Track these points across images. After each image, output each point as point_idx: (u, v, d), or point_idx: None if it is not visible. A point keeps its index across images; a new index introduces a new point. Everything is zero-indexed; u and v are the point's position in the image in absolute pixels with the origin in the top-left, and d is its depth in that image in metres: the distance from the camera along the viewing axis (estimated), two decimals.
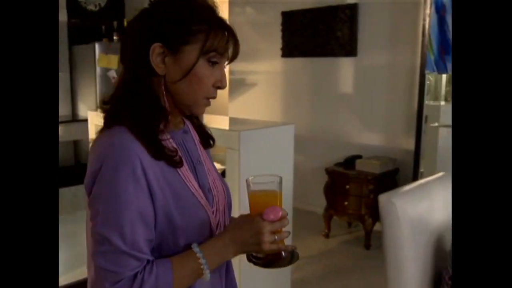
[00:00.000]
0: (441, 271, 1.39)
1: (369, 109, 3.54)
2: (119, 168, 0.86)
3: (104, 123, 0.94)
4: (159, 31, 0.91)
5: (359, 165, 3.33)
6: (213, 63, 0.93)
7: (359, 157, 3.45)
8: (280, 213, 0.93)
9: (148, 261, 0.89)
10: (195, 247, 0.92)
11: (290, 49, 4.00)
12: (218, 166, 3.03)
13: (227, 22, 0.94)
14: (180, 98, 0.95)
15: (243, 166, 2.62)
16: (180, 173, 0.95)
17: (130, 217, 0.87)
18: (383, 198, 1.33)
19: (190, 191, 0.96)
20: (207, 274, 0.91)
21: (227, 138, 2.05)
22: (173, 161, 0.93)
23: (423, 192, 1.51)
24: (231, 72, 4.49)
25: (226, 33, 0.93)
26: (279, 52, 4.05)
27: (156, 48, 0.91)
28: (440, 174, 1.75)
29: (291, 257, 0.98)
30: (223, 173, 2.65)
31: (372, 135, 3.55)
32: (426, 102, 3.13)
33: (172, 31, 0.91)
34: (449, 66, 2.87)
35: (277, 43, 4.04)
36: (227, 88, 5.07)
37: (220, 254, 0.94)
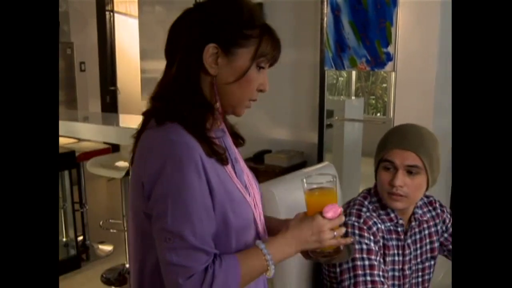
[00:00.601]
0: None
1: (277, 105, 3.66)
2: (184, 165, 0.88)
3: (156, 119, 0.94)
4: (214, 32, 0.94)
5: (268, 159, 3.44)
6: (260, 68, 0.97)
7: (269, 151, 3.57)
8: (339, 210, 0.98)
9: (215, 255, 0.90)
10: (260, 244, 0.95)
11: None
12: (124, 164, 3.02)
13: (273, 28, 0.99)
14: (228, 99, 0.98)
15: None
16: (227, 170, 0.98)
17: (198, 213, 0.88)
18: (263, 186, 1.42)
19: (237, 188, 0.99)
20: (271, 270, 0.95)
21: None
22: (223, 158, 0.96)
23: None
24: (142, 71, 4.46)
25: (273, 40, 0.98)
26: None
27: (210, 49, 0.93)
28: (325, 163, 1.88)
29: (349, 250, 1.02)
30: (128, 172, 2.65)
31: (281, 130, 3.68)
32: (336, 97, 3.28)
33: (228, 33, 0.94)
34: (346, 63, 3.05)
35: None
36: (139, 86, 5.02)
37: (283, 251, 0.97)
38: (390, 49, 2.89)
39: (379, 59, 2.95)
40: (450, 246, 1.49)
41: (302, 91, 3.48)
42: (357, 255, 1.30)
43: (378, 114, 6.80)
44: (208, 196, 0.91)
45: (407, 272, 1.41)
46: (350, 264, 1.30)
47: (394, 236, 1.39)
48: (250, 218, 1.01)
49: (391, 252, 1.37)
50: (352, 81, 5.47)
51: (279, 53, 1.01)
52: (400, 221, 1.39)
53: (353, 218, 1.35)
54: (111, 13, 5.28)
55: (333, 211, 0.97)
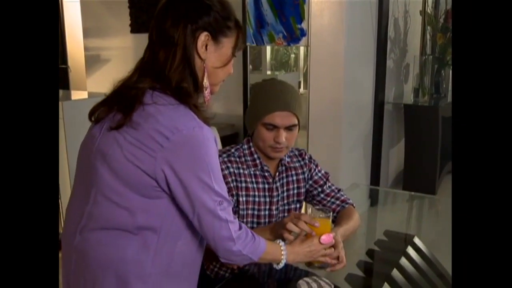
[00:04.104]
0: None
1: None
2: (210, 141, 1.07)
3: (179, 98, 1.08)
4: (206, 21, 1.10)
5: None
6: (234, 56, 1.17)
7: None
8: (332, 240, 1.34)
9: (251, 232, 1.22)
10: (280, 241, 1.28)
11: (138, 25, 4.16)
12: None
13: None
14: (212, 80, 1.16)
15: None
16: None
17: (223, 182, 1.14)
18: None
19: None
20: (282, 263, 1.27)
21: None
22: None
23: None
24: (86, 49, 4.57)
25: (242, 32, 1.19)
26: (128, 28, 4.20)
27: (203, 36, 1.10)
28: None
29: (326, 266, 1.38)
30: None
31: (213, 103, 3.85)
32: (280, 74, 3.41)
33: (218, 23, 1.12)
34: (265, 38, 3.22)
35: (126, 19, 4.19)
36: (83, 64, 5.10)
37: (290, 254, 1.29)
38: (303, 25, 3.07)
39: (294, 34, 3.12)
40: (314, 192, 1.69)
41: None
42: None
43: None
44: None
45: (274, 212, 1.61)
46: None
47: (260, 179, 1.59)
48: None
49: (251, 193, 1.57)
50: (300, 57, 5.63)
51: (245, 45, 1.27)
52: (265, 167, 1.59)
53: None
54: None
55: (328, 239, 1.33)
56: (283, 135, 1.50)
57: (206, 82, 1.14)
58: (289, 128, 1.51)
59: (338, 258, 1.36)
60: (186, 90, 1.10)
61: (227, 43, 1.15)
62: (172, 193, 1.08)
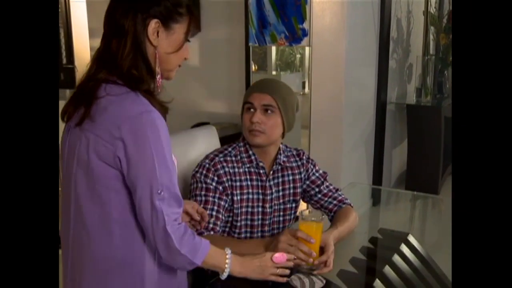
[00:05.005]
0: None
1: (213, 80, 3.86)
2: (157, 126, 1.09)
3: (129, 85, 1.11)
4: (155, 9, 1.13)
5: None
6: (187, 40, 1.20)
7: (206, 123, 3.78)
8: (285, 259, 1.29)
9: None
10: (228, 249, 1.24)
11: None
12: None
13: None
14: (165, 65, 1.19)
15: None
16: None
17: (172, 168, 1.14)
18: None
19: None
20: (226, 272, 1.22)
21: None
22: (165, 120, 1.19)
23: (188, 137, 1.92)
24: (92, 49, 4.62)
25: (195, 18, 1.22)
26: None
27: (153, 23, 1.13)
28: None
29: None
30: None
31: (217, 103, 3.89)
32: (285, 74, 3.43)
33: (168, 11, 1.14)
34: (267, 38, 3.25)
35: None
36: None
37: (235, 265, 1.24)
38: (305, 25, 3.09)
39: (296, 34, 3.15)
40: (312, 192, 1.72)
41: (234, 66, 3.68)
42: (197, 192, 1.54)
43: None
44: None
45: (268, 210, 1.64)
46: (193, 199, 1.55)
47: (255, 177, 1.62)
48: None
49: (245, 191, 1.60)
50: (305, 57, 5.64)
51: (199, 30, 1.29)
52: (261, 164, 1.61)
53: (207, 161, 1.59)
54: None
55: (280, 258, 1.29)
56: (258, 115, 1.55)
57: (158, 68, 1.17)
58: (266, 109, 1.55)
59: (326, 262, 1.37)
60: (136, 76, 1.12)
61: (179, 29, 1.18)
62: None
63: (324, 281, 1.33)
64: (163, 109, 1.16)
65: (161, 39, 1.16)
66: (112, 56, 1.13)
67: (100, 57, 1.16)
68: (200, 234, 1.49)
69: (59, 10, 5.10)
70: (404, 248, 1.62)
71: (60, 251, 0.96)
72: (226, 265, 1.22)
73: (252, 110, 1.57)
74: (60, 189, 1.19)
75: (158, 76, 1.18)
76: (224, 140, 3.63)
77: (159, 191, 1.08)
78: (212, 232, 1.51)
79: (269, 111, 1.55)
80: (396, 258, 1.55)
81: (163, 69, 1.19)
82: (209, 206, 1.53)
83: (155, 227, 1.10)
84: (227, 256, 1.23)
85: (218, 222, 1.54)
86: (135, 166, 1.07)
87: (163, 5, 1.14)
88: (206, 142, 1.95)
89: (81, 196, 1.13)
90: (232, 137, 3.98)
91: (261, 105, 1.55)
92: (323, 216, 1.40)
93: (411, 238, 1.69)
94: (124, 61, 1.12)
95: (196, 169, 1.60)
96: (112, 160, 1.08)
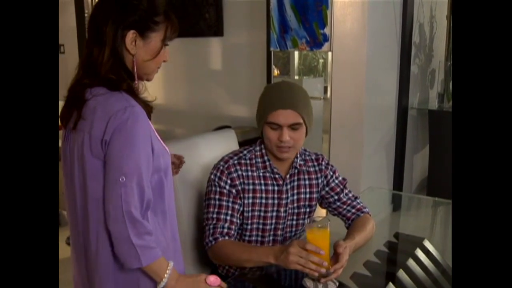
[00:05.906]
0: None
1: (235, 84, 3.91)
2: (138, 120, 1.17)
3: (110, 87, 1.20)
4: (132, 21, 1.20)
5: None
6: (165, 45, 1.27)
7: (228, 127, 3.82)
8: (218, 284, 1.29)
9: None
10: (171, 263, 1.25)
11: None
12: None
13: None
14: (145, 71, 1.27)
15: None
16: (151, 125, 1.27)
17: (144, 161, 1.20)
18: None
19: (158, 139, 1.29)
20: (162, 284, 1.22)
21: None
22: (150, 116, 1.28)
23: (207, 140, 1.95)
24: None
25: (174, 23, 1.27)
26: None
27: (131, 34, 1.21)
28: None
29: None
30: None
31: (239, 107, 3.93)
32: (306, 78, 3.45)
33: (144, 21, 1.22)
34: (288, 43, 3.28)
35: None
36: None
37: (172, 280, 1.24)
38: (326, 30, 3.11)
39: (317, 39, 3.17)
40: (331, 200, 1.71)
41: (256, 71, 3.72)
42: (212, 195, 1.57)
43: None
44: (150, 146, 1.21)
45: (282, 214, 1.65)
46: (206, 202, 1.59)
47: (270, 181, 1.62)
48: (169, 163, 1.32)
49: (258, 195, 1.61)
50: (328, 62, 5.64)
51: (177, 33, 1.30)
52: (275, 169, 1.62)
53: (221, 163, 1.62)
54: None
55: (214, 282, 1.30)
56: (287, 134, 1.51)
57: (135, 74, 1.25)
58: (293, 127, 1.52)
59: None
60: (115, 79, 1.20)
61: (155, 37, 1.24)
62: None
63: (337, 284, 1.35)
64: (148, 108, 1.24)
65: (138, 48, 1.23)
66: (93, 63, 1.21)
67: (84, 64, 1.25)
68: (215, 239, 1.52)
69: (84, 15, 5.21)
70: (419, 253, 1.62)
71: (59, 251, 1.01)
72: (165, 276, 1.23)
73: (277, 128, 1.52)
74: (64, 193, 1.29)
75: (137, 81, 1.26)
76: (246, 144, 3.66)
77: (120, 178, 1.14)
78: (226, 237, 1.53)
79: (296, 126, 1.53)
80: (411, 262, 1.55)
81: (142, 73, 1.27)
82: (223, 211, 1.56)
83: (111, 209, 1.15)
84: (168, 268, 1.24)
85: (233, 227, 1.56)
86: (109, 152, 1.15)
87: (138, 15, 1.21)
88: (224, 145, 1.98)
89: (84, 196, 1.23)
90: (254, 140, 3.96)
91: (287, 124, 1.51)
92: (329, 222, 1.37)
93: (427, 243, 1.69)
94: (104, 67, 1.20)
95: (212, 171, 1.63)
96: (102, 155, 1.17)
